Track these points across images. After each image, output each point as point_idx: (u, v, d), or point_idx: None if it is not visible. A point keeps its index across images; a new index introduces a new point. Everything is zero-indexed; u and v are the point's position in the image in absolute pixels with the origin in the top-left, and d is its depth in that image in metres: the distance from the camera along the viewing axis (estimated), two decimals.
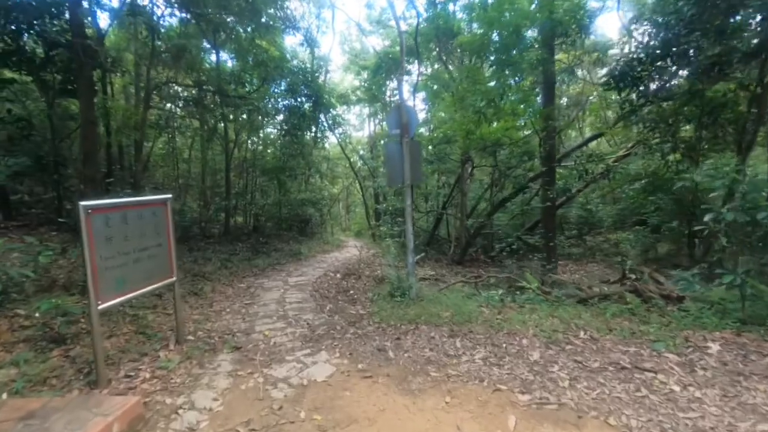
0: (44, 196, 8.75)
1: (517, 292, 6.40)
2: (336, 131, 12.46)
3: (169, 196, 3.96)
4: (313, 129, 11.01)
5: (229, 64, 11.36)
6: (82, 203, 2.99)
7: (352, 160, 21.01)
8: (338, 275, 8.49)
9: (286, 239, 13.77)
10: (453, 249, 15.25)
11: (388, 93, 26.60)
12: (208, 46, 10.47)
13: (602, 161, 9.04)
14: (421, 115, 21.02)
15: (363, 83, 24.51)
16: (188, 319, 4.95)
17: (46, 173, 8.15)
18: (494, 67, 9.06)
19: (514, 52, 8.71)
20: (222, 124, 11.13)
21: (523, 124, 9.89)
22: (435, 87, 16.40)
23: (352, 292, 7.17)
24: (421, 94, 21.08)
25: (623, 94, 6.68)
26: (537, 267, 12.93)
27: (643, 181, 9.75)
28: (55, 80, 8.24)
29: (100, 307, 3.11)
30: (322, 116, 10.98)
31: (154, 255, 3.75)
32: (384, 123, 31.07)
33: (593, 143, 12.08)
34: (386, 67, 21.11)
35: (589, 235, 16.77)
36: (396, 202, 15.02)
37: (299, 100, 10.40)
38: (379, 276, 8.63)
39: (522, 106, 9.50)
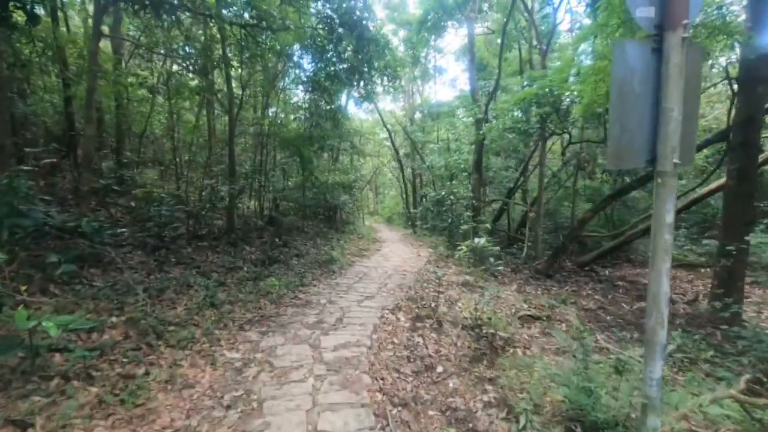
0: None
1: None
2: (384, 88, 8.77)
3: None
4: (355, 81, 7.39)
5: None
6: None
7: (390, 131, 17.27)
8: (401, 317, 5.05)
9: (310, 235, 10.43)
10: (526, 251, 11.48)
11: (431, 55, 22.75)
12: None
13: None
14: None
15: (401, 42, 20.59)
16: None
17: None
18: None
19: None
20: (224, 71, 7.66)
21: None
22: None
23: (441, 369, 3.77)
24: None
25: None
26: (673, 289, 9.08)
27: None
28: None
29: None
30: (364, 64, 7.13)
31: None
32: (420, 93, 27.00)
33: None
34: (433, 19, 17.31)
35: (713, 237, 12.68)
36: (460, 188, 11.35)
37: (335, 34, 6.75)
38: (465, 319, 5.18)
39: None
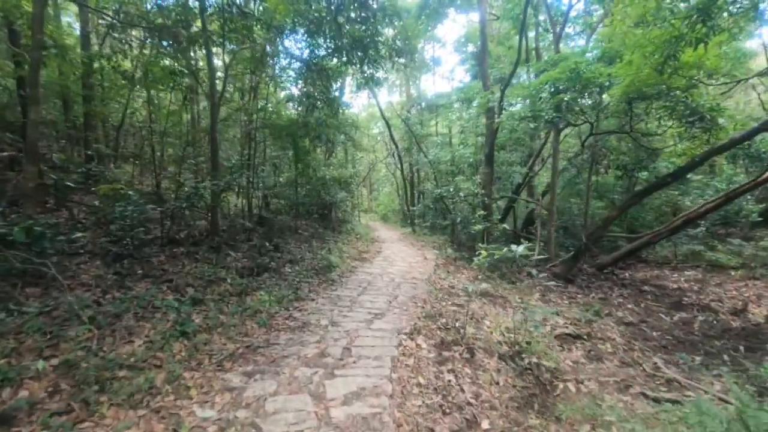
0: None
1: None
2: (394, 65, 7.71)
3: None
4: (358, 60, 6.33)
5: None
6: None
7: (388, 124, 16.24)
8: (422, 344, 4.08)
9: (304, 236, 9.42)
10: (539, 251, 10.57)
11: (429, 45, 21.85)
12: None
13: None
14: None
15: (398, 32, 19.57)
16: None
17: None
18: None
19: None
20: (203, 50, 6.59)
21: None
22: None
23: (487, 425, 2.86)
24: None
25: None
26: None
27: None
28: None
29: None
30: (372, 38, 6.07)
31: None
32: (418, 85, 25.99)
33: None
34: (434, 5, 16.38)
35: (731, 235, 11.94)
36: (468, 184, 10.35)
37: (335, 2, 5.71)
38: (499, 344, 4.25)
39: None
